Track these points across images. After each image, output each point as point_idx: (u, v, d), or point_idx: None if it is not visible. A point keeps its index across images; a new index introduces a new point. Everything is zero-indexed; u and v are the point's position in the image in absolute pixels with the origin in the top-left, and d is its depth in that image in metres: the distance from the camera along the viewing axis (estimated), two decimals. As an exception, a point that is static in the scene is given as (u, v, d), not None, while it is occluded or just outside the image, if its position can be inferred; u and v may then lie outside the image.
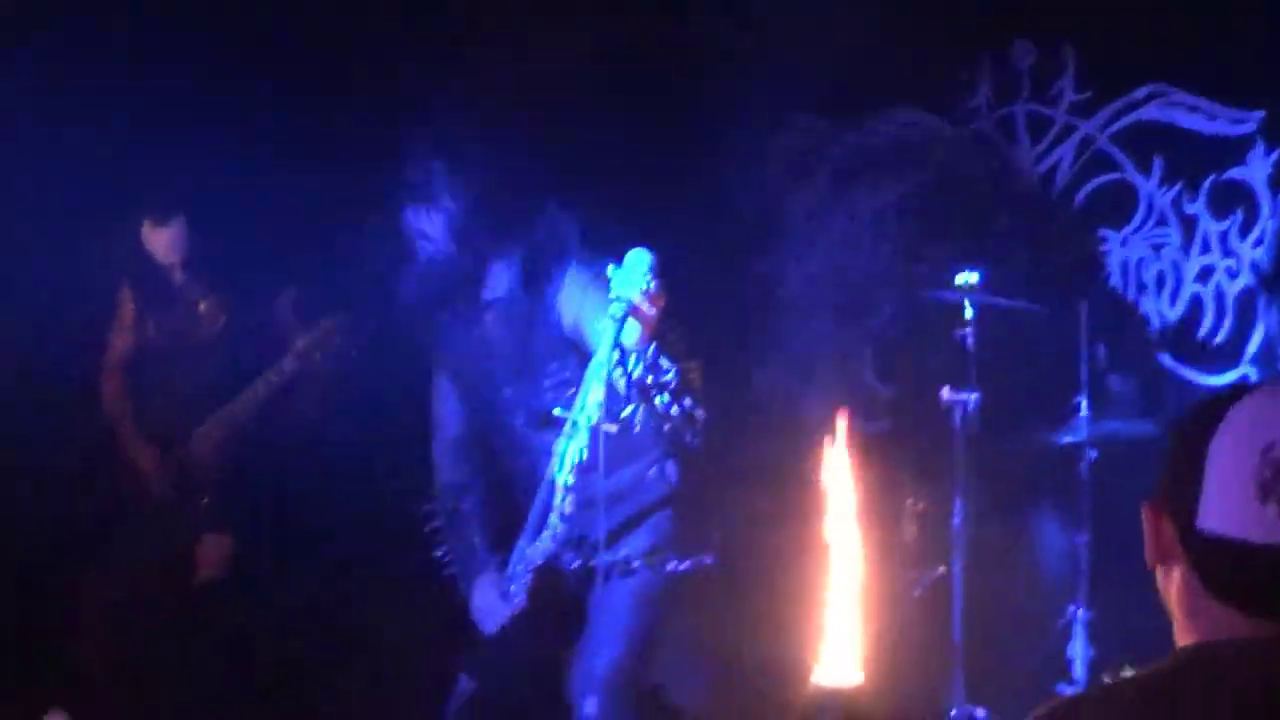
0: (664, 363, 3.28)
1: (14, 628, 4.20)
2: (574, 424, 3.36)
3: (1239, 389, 1.28)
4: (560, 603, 3.48)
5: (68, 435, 4.24)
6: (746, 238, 4.97)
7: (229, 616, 4.04)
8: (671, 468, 3.47)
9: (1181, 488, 1.27)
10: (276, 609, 4.09)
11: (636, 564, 3.44)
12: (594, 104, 4.87)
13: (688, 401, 3.32)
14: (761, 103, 5.00)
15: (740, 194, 5.08)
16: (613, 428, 3.35)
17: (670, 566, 3.39)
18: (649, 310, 3.18)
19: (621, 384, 3.26)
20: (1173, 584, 1.33)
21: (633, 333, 3.21)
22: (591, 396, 3.33)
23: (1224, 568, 1.25)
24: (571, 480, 3.37)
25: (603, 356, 3.22)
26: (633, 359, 3.26)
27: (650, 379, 3.29)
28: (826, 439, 2.99)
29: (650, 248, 3.16)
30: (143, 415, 4.23)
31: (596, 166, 4.70)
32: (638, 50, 5.06)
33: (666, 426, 3.31)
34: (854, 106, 5.31)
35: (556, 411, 3.38)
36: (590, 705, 3.33)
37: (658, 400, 3.25)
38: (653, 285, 3.17)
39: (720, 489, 3.61)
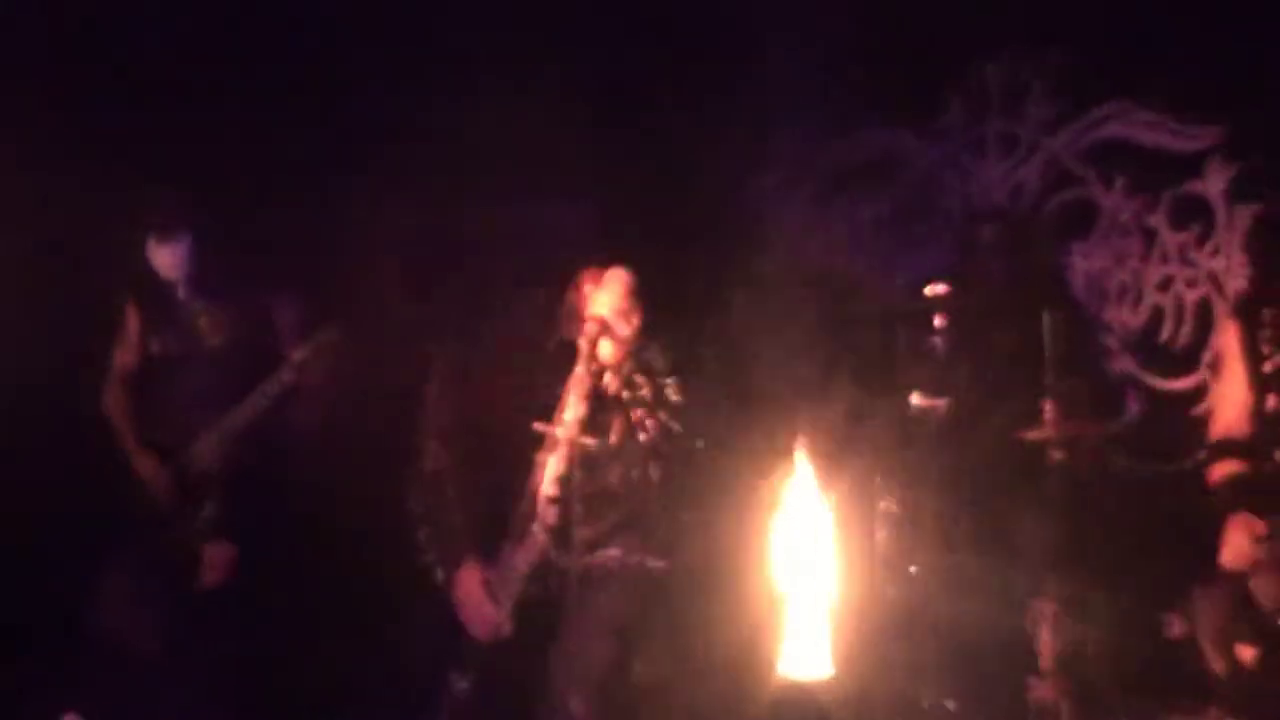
0: (639, 379, 3.49)
1: (24, 632, 4.36)
2: (555, 437, 3.56)
3: None
4: (546, 603, 3.63)
5: (73, 443, 4.41)
6: (732, 249, 5.18)
7: (232, 620, 4.18)
8: (651, 474, 3.62)
9: None
10: (278, 612, 4.25)
11: (616, 566, 3.63)
12: (593, 116, 5.05)
13: (663, 415, 3.53)
14: (750, 118, 5.23)
15: (727, 208, 5.32)
16: (590, 441, 3.54)
17: (649, 565, 3.58)
18: (624, 329, 3.39)
19: (598, 399, 3.48)
20: None
21: (607, 350, 3.41)
22: (571, 411, 3.53)
23: None
24: (553, 491, 3.56)
25: (581, 372, 3.43)
26: (608, 375, 3.46)
27: (626, 394, 3.49)
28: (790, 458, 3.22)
29: (631, 264, 3.37)
30: (144, 426, 4.34)
31: (587, 178, 4.93)
32: (631, 65, 5.28)
33: (643, 438, 3.51)
34: (838, 124, 5.53)
35: (539, 425, 3.58)
36: (577, 702, 3.50)
37: (633, 414, 3.47)
38: (628, 304, 3.38)
39: (698, 493, 3.78)
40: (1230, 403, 3.91)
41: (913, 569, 4.31)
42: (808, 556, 2.97)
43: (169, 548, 4.20)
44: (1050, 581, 4.20)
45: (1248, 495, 3.72)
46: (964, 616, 4.38)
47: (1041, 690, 4.14)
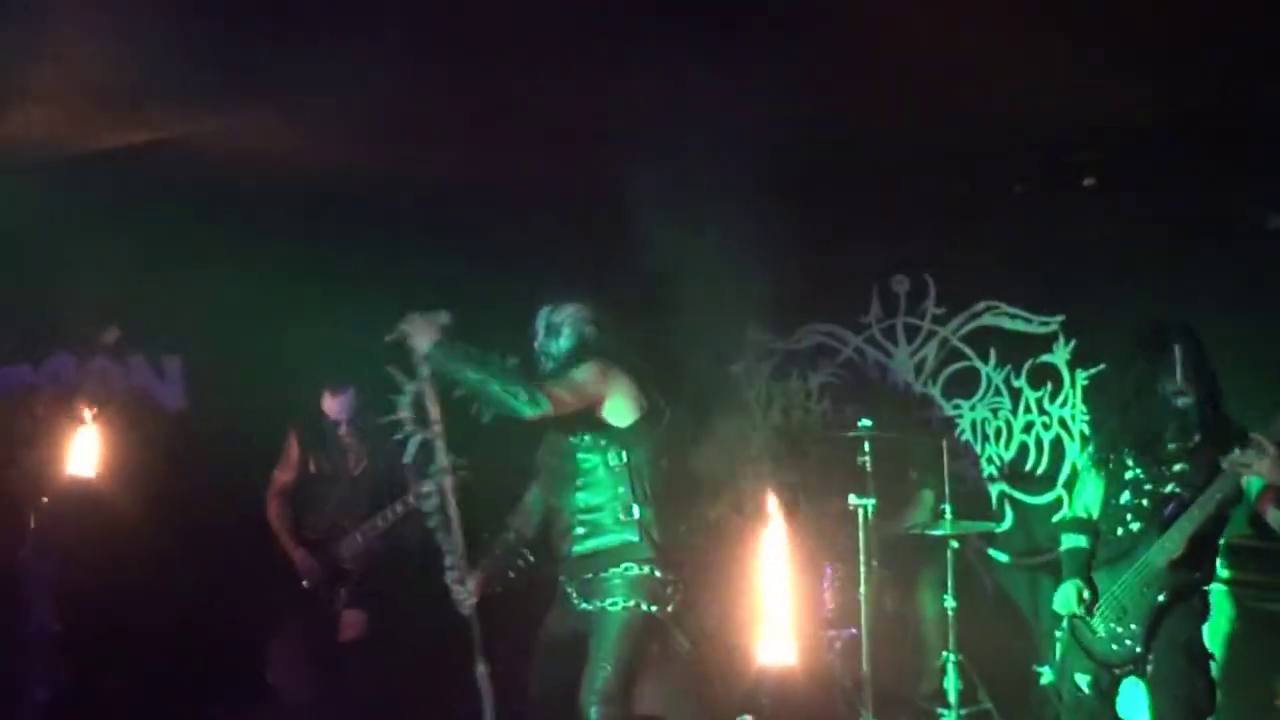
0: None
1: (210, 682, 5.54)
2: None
3: None
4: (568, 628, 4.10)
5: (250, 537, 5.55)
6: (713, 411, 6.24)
7: (362, 666, 5.35)
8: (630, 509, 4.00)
9: None
10: (397, 665, 5.45)
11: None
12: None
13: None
14: (721, 321, 6.15)
15: (710, 384, 6.54)
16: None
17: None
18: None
19: None
20: None
21: None
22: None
23: None
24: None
25: None
26: None
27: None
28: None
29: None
30: (302, 525, 5.47)
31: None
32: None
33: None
34: (788, 322, 6.87)
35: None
36: (593, 711, 3.86)
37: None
38: None
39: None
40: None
41: (853, 631, 5.50)
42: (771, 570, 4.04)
43: (318, 617, 5.39)
44: (951, 639, 5.39)
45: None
46: (891, 663, 5.62)
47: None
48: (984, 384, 6.41)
